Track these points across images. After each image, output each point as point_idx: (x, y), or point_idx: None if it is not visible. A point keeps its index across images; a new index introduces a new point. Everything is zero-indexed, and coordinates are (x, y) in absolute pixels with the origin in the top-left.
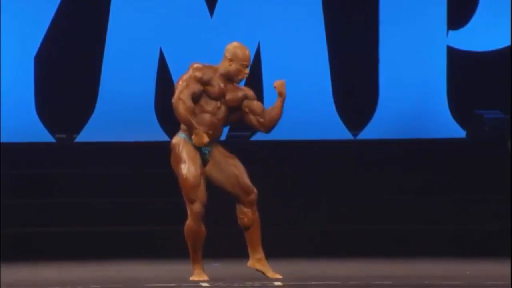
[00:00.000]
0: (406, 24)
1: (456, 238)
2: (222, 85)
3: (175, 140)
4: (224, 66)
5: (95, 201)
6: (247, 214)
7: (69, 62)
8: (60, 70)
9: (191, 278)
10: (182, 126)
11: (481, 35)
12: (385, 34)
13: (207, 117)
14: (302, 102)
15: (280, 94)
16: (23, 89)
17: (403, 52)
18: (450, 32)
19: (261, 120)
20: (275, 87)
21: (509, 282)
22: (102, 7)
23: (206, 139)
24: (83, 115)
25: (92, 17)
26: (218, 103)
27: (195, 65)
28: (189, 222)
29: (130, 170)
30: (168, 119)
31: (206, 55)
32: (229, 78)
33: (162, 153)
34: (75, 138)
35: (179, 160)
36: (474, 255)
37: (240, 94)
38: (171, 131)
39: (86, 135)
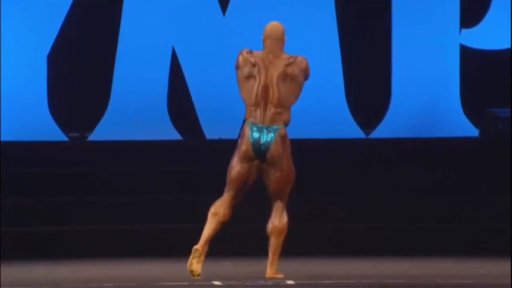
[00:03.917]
0: (418, 22)
1: (469, 237)
2: None
3: (284, 131)
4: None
5: (107, 200)
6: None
7: (81, 61)
8: (73, 69)
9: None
10: (284, 119)
11: (494, 34)
12: (397, 33)
13: None
14: (315, 101)
15: None
16: (36, 88)
17: (416, 50)
18: (463, 30)
19: None
20: None
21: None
22: (114, 6)
23: None
24: (96, 113)
25: (104, 16)
26: None
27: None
28: (288, 218)
29: (142, 168)
30: (181, 117)
31: (219, 54)
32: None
33: (175, 151)
34: (87, 136)
35: (290, 152)
36: (487, 253)
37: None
38: (184, 129)
39: (99, 134)
